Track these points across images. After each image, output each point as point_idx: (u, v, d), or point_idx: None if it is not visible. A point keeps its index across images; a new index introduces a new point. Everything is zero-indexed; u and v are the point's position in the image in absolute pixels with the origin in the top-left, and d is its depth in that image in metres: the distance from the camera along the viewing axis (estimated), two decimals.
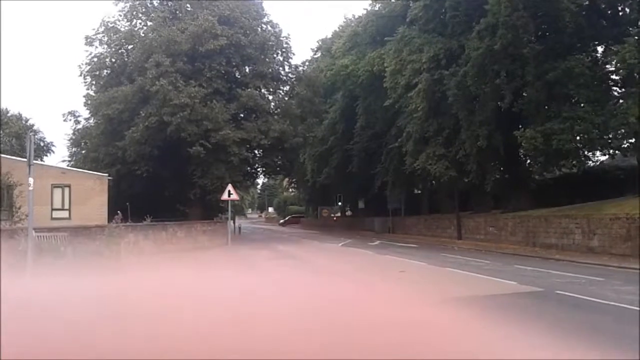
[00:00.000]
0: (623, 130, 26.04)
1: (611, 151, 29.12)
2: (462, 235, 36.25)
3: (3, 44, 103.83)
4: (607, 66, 29.21)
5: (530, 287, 14.90)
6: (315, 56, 64.83)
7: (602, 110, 26.19)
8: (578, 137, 27.20)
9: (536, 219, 29.26)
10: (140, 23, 42.96)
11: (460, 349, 2.34)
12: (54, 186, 28.11)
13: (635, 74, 25.95)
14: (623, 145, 28.03)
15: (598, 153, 32.04)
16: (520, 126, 29.18)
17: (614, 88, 30.07)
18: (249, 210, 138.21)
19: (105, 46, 42.33)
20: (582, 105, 27.88)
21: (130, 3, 42.56)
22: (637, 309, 11.22)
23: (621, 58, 24.65)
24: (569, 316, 11.03)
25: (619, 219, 23.22)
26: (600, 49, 29.43)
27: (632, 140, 27.47)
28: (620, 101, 27.82)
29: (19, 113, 62.55)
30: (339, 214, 71.24)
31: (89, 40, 41.89)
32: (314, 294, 3.24)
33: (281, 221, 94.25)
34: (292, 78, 44.10)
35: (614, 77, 29.71)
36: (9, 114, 60.44)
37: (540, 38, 28.25)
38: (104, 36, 42.06)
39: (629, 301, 12.09)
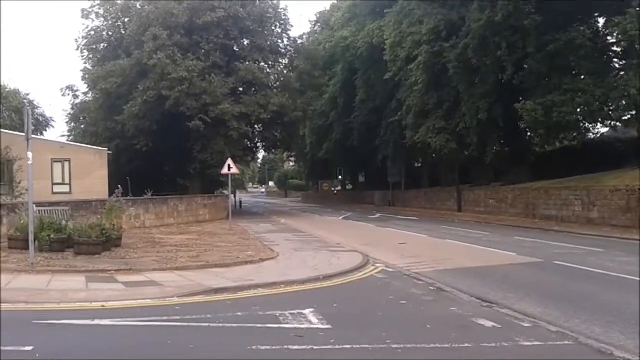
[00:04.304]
0: (624, 102, 25.87)
1: (611, 123, 29.00)
2: (462, 207, 36.35)
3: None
4: (608, 37, 28.94)
5: (529, 257, 15.00)
6: (314, 28, 64.22)
7: (603, 82, 26.01)
8: (578, 109, 27.06)
9: (536, 190, 29.31)
10: None
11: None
12: (54, 160, 28.01)
13: (637, 45, 25.68)
14: (624, 117, 27.88)
15: (598, 125, 31.97)
16: (520, 98, 29.01)
17: (615, 59, 29.84)
18: (250, 184, 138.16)
19: (102, 19, 41.90)
20: (582, 77, 27.72)
21: None
22: (637, 279, 11.31)
23: (622, 29, 24.39)
24: (567, 286, 11.11)
25: (618, 190, 23.25)
26: (601, 20, 29.13)
27: (633, 112, 27.34)
28: (621, 73, 27.60)
29: (17, 88, 62.13)
30: (339, 188, 71.34)
31: (85, 12, 41.43)
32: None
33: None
34: (290, 51, 43.62)
35: (614, 48, 29.46)
36: (7, 89, 60.00)
37: (541, 9, 27.89)
38: (100, 8, 41.60)
39: (629, 272, 12.17)
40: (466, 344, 6.97)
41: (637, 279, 11.31)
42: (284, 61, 44.16)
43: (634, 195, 22.21)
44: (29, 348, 6.48)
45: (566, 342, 7.12)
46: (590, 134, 34.02)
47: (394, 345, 6.81)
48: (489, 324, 8.00)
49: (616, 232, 21.02)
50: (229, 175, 27.90)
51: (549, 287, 10.94)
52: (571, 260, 14.02)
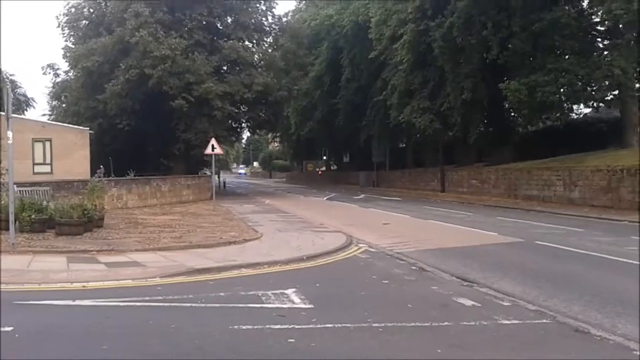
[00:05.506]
0: (607, 82, 26.06)
1: (594, 104, 29.21)
2: (446, 188, 36.56)
3: None
4: (593, 17, 29.02)
5: (510, 237, 15.15)
6: (299, 6, 63.61)
7: (587, 61, 26.14)
8: (562, 90, 27.23)
9: (518, 171, 29.54)
10: None
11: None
12: (35, 140, 27.59)
13: (621, 25, 25.81)
14: (606, 98, 28.10)
15: (582, 106, 32.22)
16: (505, 78, 29.12)
17: (599, 39, 29.97)
18: (234, 165, 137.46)
19: None
20: (567, 56, 27.81)
21: None
22: (616, 258, 11.49)
23: (607, 9, 24.46)
24: (547, 266, 11.24)
25: (600, 171, 23.50)
26: None
27: (616, 92, 27.56)
28: (605, 52, 27.77)
29: None
30: (324, 168, 71.35)
31: None
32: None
33: None
34: (275, 29, 43.13)
35: (599, 28, 29.55)
36: None
37: None
38: None
39: (608, 251, 12.36)
40: (446, 323, 7.04)
41: (616, 258, 11.51)
42: (268, 40, 43.75)
43: (615, 175, 22.47)
44: (9, 329, 6.44)
45: (545, 320, 7.22)
46: (574, 114, 34.27)
47: (375, 325, 6.86)
48: (469, 303, 8.08)
49: (595, 212, 21.30)
50: (213, 156, 27.76)
51: (530, 267, 11.06)
52: (552, 240, 14.19)
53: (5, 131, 12.45)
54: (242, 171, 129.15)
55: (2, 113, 13.42)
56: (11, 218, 12.50)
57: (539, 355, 5.92)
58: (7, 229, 12.75)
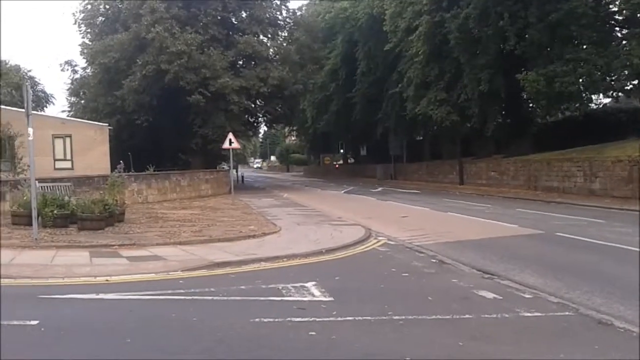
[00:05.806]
0: (626, 72, 25.72)
1: (614, 93, 28.84)
2: (464, 180, 36.35)
3: None
4: (610, 6, 28.64)
5: (531, 229, 15.05)
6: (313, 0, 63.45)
7: (605, 51, 25.79)
8: (581, 80, 26.87)
9: (538, 162, 29.28)
10: None
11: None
12: (55, 136, 27.94)
13: (639, 14, 25.41)
14: (626, 87, 27.74)
15: (601, 96, 31.83)
16: (522, 69, 28.81)
17: (617, 29, 29.54)
18: (251, 159, 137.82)
19: None
20: (584, 46, 27.45)
21: None
22: (638, 249, 11.36)
23: None
24: (568, 257, 11.16)
25: (620, 161, 23.21)
26: None
27: (635, 82, 27.17)
28: (624, 42, 27.36)
29: (18, 65, 61.64)
30: (341, 161, 71.21)
31: None
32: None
33: None
34: (290, 23, 43.12)
35: (617, 17, 29.14)
36: (7, 65, 59.58)
37: None
38: None
39: (629, 242, 12.22)
40: (467, 316, 7.04)
41: (636, 249, 11.37)
42: (283, 34, 43.72)
43: (636, 166, 22.18)
44: (35, 322, 6.56)
45: (567, 313, 7.18)
46: (593, 104, 33.82)
47: (395, 317, 6.88)
48: (490, 295, 8.06)
49: (616, 203, 21.07)
50: (231, 150, 27.88)
51: (551, 259, 10.99)
52: (573, 232, 14.06)
53: (26, 128, 12.62)
54: (257, 165, 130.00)
55: (23, 110, 13.59)
56: (34, 213, 12.70)
57: (562, 347, 5.88)
58: (30, 224, 12.95)
